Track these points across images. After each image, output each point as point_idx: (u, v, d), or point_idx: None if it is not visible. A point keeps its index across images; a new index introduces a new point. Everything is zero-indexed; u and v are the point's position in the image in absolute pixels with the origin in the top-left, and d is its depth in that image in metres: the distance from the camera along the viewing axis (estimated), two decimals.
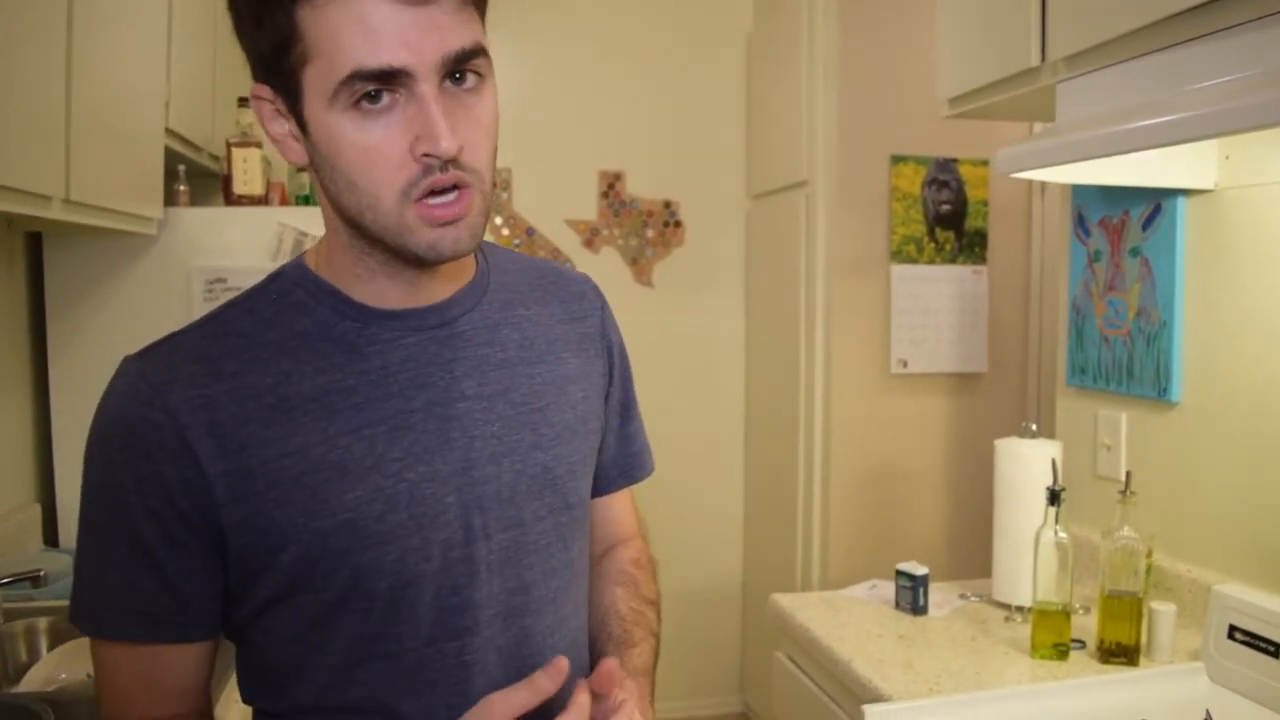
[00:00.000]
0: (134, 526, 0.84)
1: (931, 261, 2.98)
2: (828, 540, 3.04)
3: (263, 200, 2.46)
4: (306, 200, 2.50)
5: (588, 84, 3.34)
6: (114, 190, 1.87)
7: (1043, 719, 1.42)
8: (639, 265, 3.38)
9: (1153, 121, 1.33)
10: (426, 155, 0.80)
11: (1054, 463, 1.70)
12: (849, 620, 1.86)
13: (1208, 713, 1.44)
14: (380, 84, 0.79)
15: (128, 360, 0.87)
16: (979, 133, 2.85)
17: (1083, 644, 1.72)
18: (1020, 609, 1.82)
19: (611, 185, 3.35)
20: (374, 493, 0.86)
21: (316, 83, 0.79)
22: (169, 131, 2.19)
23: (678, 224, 3.42)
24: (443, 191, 0.82)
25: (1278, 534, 1.68)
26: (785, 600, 2.00)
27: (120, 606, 0.86)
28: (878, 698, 1.52)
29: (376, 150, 0.80)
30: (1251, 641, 1.55)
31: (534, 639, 0.95)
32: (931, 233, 2.98)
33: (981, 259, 3.02)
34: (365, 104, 0.79)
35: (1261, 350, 1.70)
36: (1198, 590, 1.74)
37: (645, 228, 3.38)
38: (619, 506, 1.19)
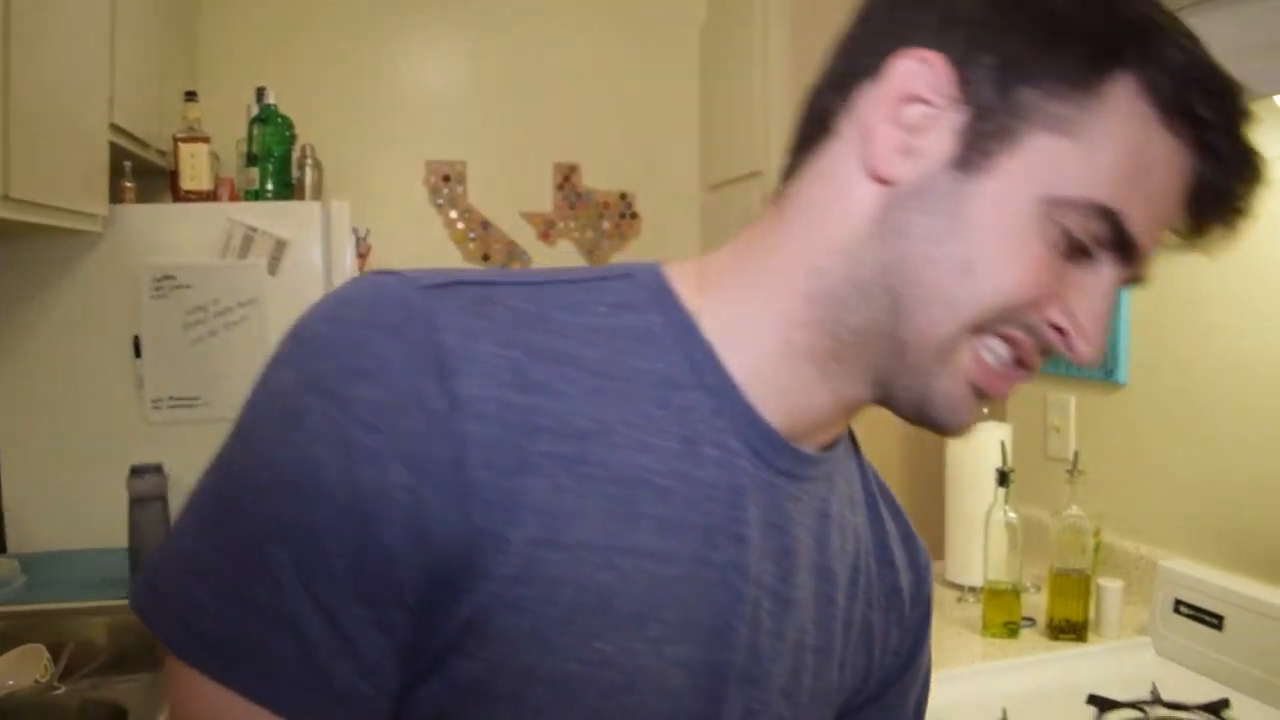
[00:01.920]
0: (332, 539, 0.50)
1: None
2: None
3: (211, 196, 2.43)
4: (256, 195, 2.48)
5: (542, 76, 3.34)
6: (57, 187, 1.85)
7: (993, 696, 1.44)
8: (595, 257, 3.38)
9: None
10: (1056, 328, 0.58)
11: (1003, 444, 1.72)
12: None
13: (1154, 686, 1.47)
14: (1107, 241, 0.56)
15: (409, 286, 0.54)
16: None
17: (1033, 621, 1.75)
18: (972, 589, 1.85)
19: (567, 177, 3.35)
20: (621, 655, 0.55)
21: (1049, 161, 0.55)
22: (114, 127, 2.16)
23: (634, 215, 3.43)
24: (1015, 361, 0.59)
25: (1222, 511, 1.71)
26: None
27: (277, 653, 0.50)
28: None
29: (1028, 267, 0.55)
30: (1196, 615, 1.58)
31: None
32: None
33: None
34: (1068, 239, 0.55)
35: (1206, 332, 1.73)
36: (1145, 567, 1.78)
37: (601, 220, 3.38)
38: None
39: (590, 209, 3.38)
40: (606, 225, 3.40)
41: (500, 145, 3.31)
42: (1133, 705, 1.44)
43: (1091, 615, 1.71)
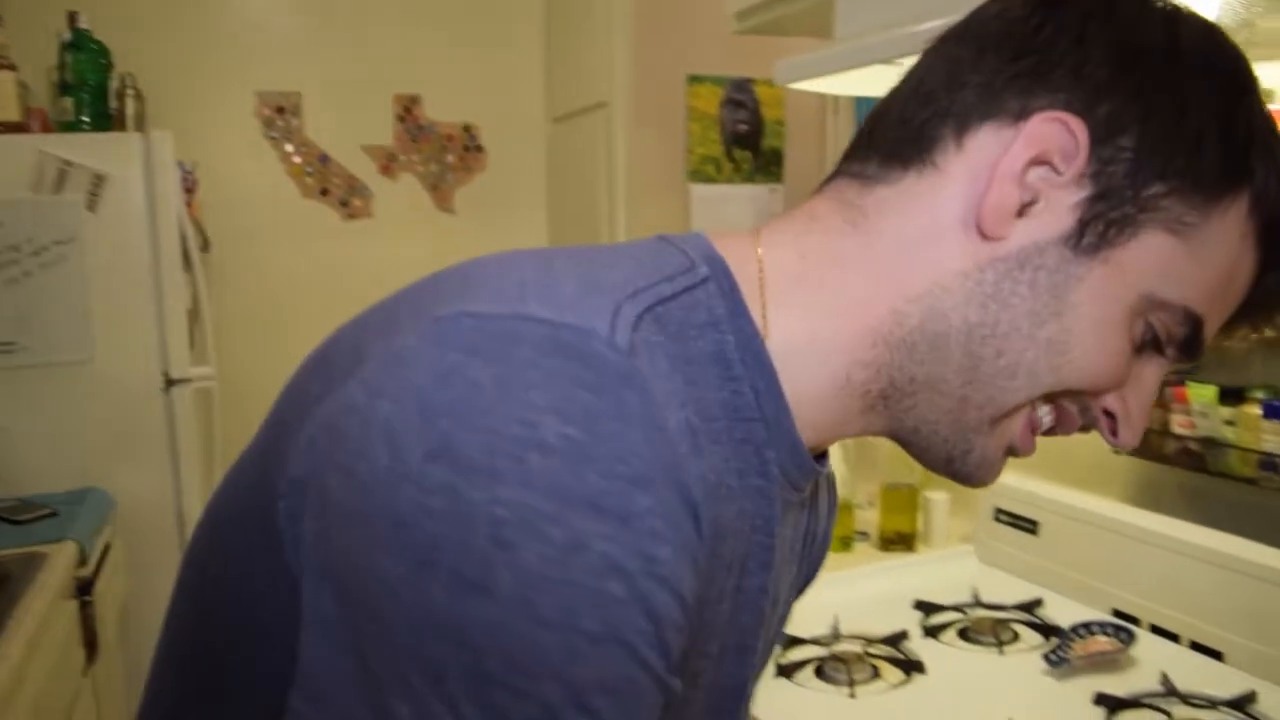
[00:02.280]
0: (635, 690, 0.43)
1: (730, 180, 3.04)
2: None
3: (21, 128, 2.28)
4: (71, 127, 2.33)
5: (380, 3, 3.22)
6: None
7: (827, 605, 1.50)
8: (440, 191, 3.31)
9: (925, 26, 1.38)
10: (1108, 414, 0.58)
11: None
12: None
13: (975, 589, 1.56)
14: (1181, 342, 0.56)
15: (618, 351, 0.45)
16: (775, 53, 2.90)
17: (866, 535, 1.82)
18: None
19: (408, 109, 3.26)
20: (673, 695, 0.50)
21: (1159, 259, 0.54)
22: None
23: (478, 148, 3.36)
24: (1052, 429, 0.60)
25: None
26: None
27: None
28: None
29: (1113, 359, 0.55)
30: (1014, 521, 1.67)
31: None
32: (729, 152, 3.03)
33: (777, 177, 3.09)
34: (1147, 335, 0.56)
35: None
36: None
37: (445, 153, 3.31)
38: None
39: (433, 142, 3.30)
40: (451, 158, 3.33)
41: (337, 75, 3.18)
42: (955, 608, 1.53)
43: (920, 527, 1.80)
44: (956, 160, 0.55)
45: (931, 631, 1.46)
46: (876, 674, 1.34)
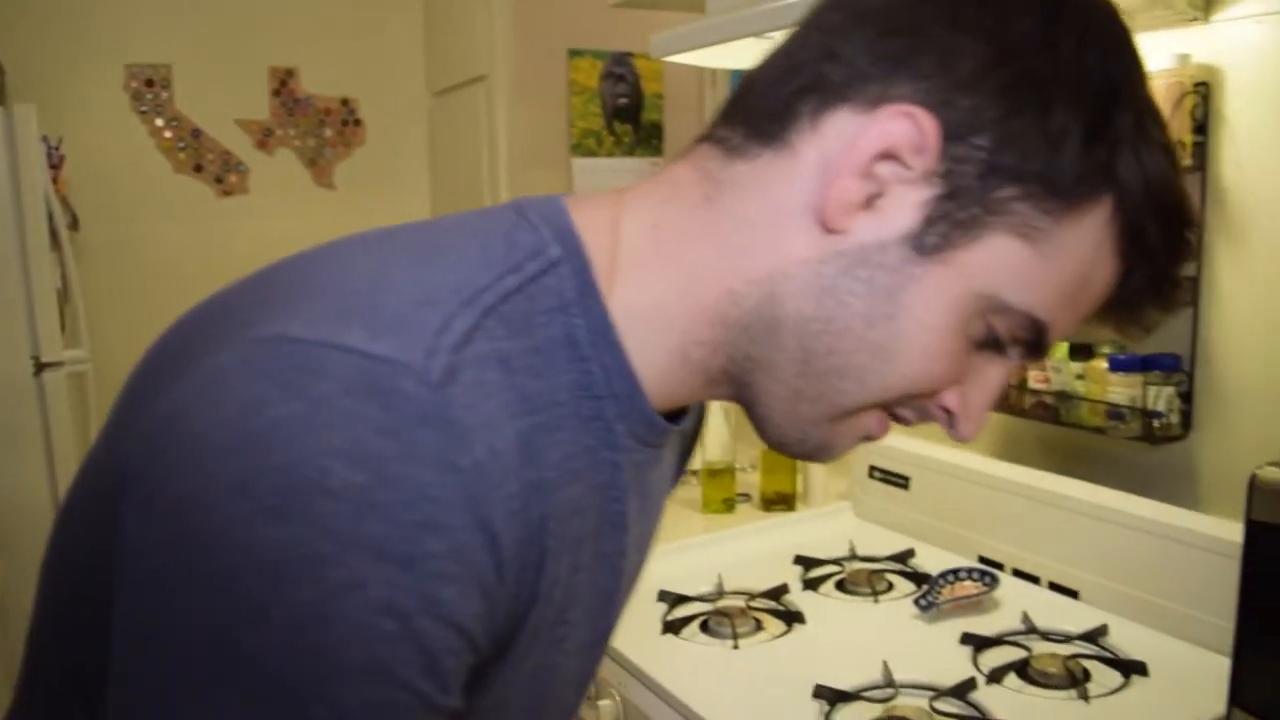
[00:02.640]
0: (393, 704, 0.45)
1: (611, 154, 3.07)
2: None
3: None
4: None
5: None
6: None
7: (711, 564, 1.56)
8: (318, 166, 3.26)
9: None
10: (946, 410, 0.58)
11: None
12: None
13: (852, 543, 1.63)
14: (1024, 344, 0.56)
15: (426, 387, 0.46)
16: (654, 27, 2.93)
17: (748, 497, 1.89)
18: (694, 471, 1.97)
19: (284, 82, 3.20)
20: (538, 668, 0.58)
21: (1004, 263, 0.52)
22: None
23: (358, 122, 3.32)
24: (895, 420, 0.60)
25: None
26: None
27: None
28: None
29: (943, 361, 0.54)
30: (887, 478, 1.76)
31: None
32: (610, 125, 3.06)
33: (658, 150, 3.13)
34: (988, 335, 0.55)
35: None
36: None
37: (323, 127, 3.26)
38: None
39: (310, 115, 3.24)
40: (329, 133, 3.28)
41: (209, 47, 3.10)
42: (833, 561, 1.60)
43: (800, 487, 1.87)
44: (810, 142, 0.54)
45: (811, 584, 1.53)
46: (759, 626, 1.40)
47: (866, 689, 1.20)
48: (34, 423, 2.24)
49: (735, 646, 1.34)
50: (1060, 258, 0.53)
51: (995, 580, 1.45)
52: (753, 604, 1.46)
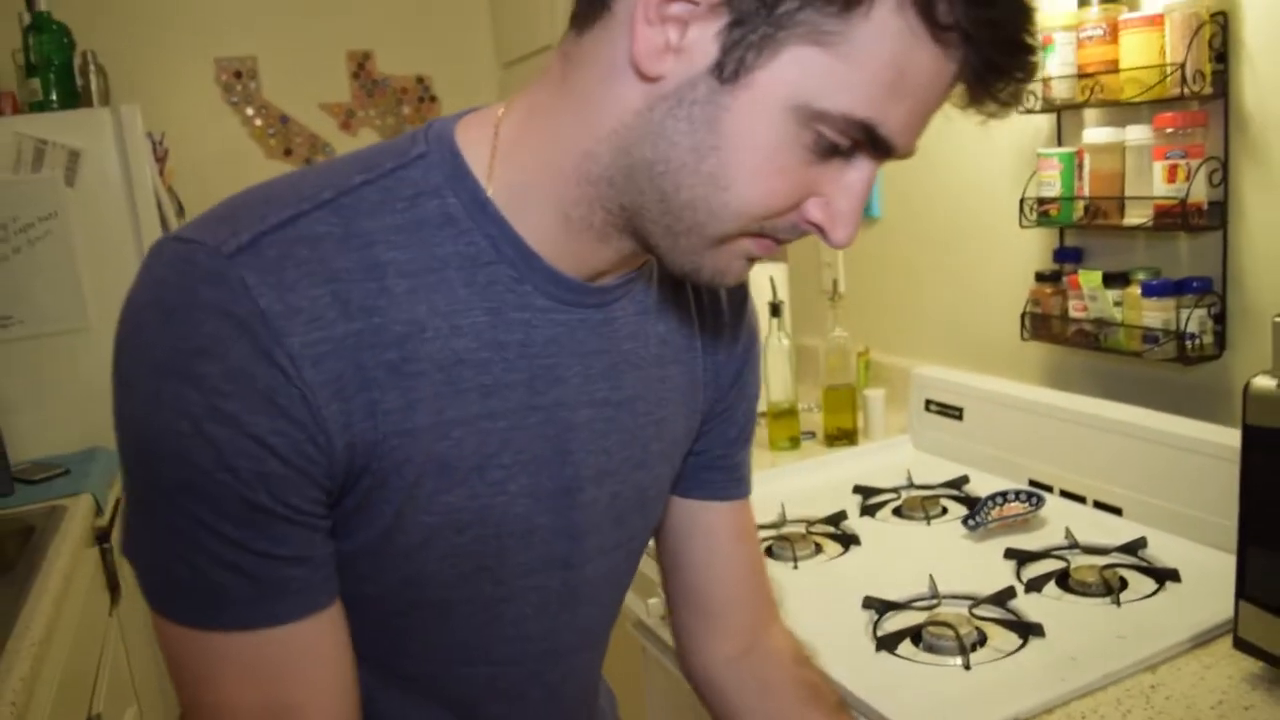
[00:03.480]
0: (215, 491, 0.58)
1: None
2: None
3: None
4: (41, 107, 2.44)
5: None
6: None
7: (774, 495, 1.68)
8: None
9: None
10: (814, 224, 0.62)
11: (772, 280, 1.93)
12: None
13: (909, 472, 1.73)
14: (864, 145, 0.59)
15: (217, 257, 0.58)
16: None
17: (813, 435, 1.99)
18: (761, 413, 2.08)
19: (361, 65, 3.36)
20: (467, 500, 0.67)
21: (806, 72, 0.56)
22: None
23: (433, 99, 3.47)
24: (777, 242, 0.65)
25: (959, 321, 1.97)
26: None
27: (219, 581, 0.60)
28: None
29: (779, 178, 0.59)
30: (942, 410, 1.85)
31: (579, 675, 0.84)
32: None
33: None
34: (822, 142, 0.58)
35: (939, 168, 1.96)
36: (905, 377, 2.04)
37: (401, 105, 3.42)
38: (747, 550, 0.93)
39: (388, 95, 3.40)
40: (406, 110, 3.43)
41: (291, 37, 3.27)
42: (890, 490, 1.70)
43: (861, 423, 1.97)
44: (622, 5, 0.59)
45: (868, 511, 1.64)
46: (819, 549, 1.51)
47: (912, 600, 1.31)
48: None
49: (795, 567, 1.46)
50: (861, 55, 0.55)
51: (1041, 500, 1.54)
52: (812, 529, 1.57)
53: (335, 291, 0.59)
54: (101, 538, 2.00)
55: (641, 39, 0.57)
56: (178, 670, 0.63)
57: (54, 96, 2.46)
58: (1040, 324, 1.69)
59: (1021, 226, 1.67)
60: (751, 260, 0.66)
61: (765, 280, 1.96)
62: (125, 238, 2.39)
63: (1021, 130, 1.73)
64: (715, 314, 0.83)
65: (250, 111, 3.24)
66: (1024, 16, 0.57)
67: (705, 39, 0.57)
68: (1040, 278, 1.69)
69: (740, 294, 0.87)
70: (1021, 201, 1.66)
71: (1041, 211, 1.62)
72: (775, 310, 1.90)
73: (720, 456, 0.89)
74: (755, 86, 0.56)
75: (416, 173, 0.64)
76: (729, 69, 0.56)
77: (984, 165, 1.84)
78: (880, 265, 2.16)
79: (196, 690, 0.62)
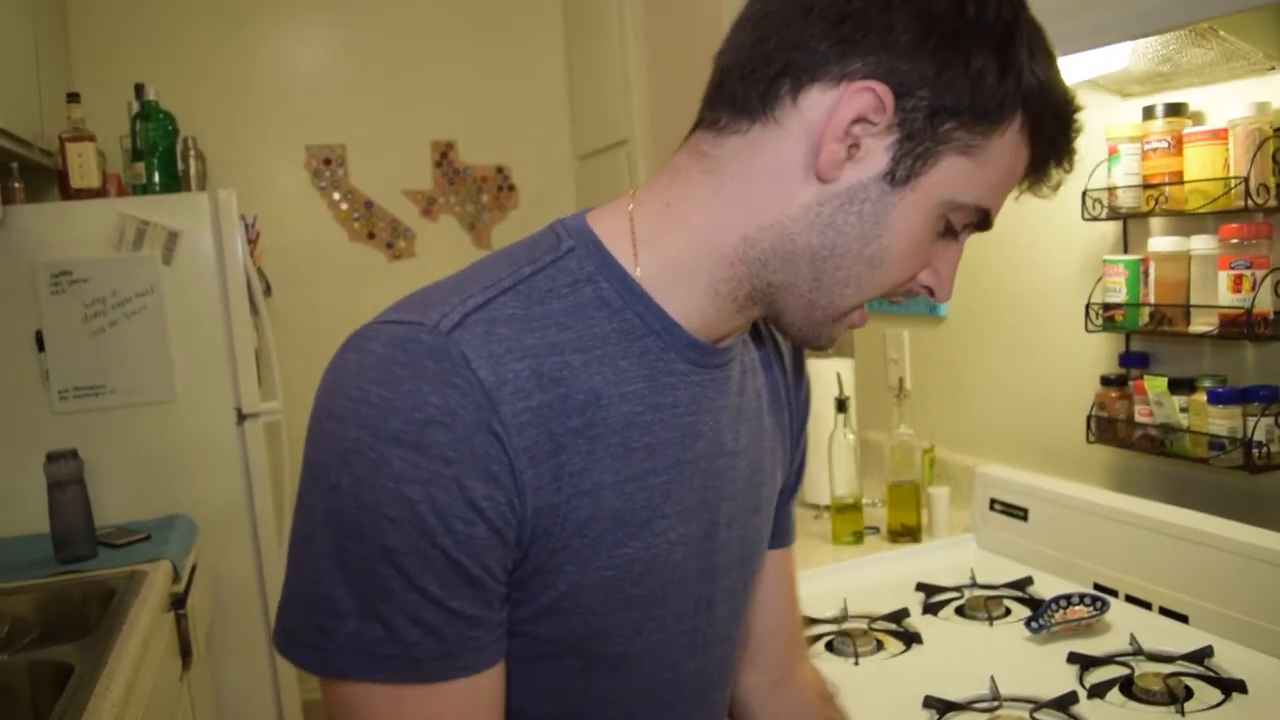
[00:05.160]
0: (429, 552, 0.65)
1: None
2: None
3: (101, 192, 2.53)
4: (144, 189, 2.58)
5: (414, 56, 3.45)
6: None
7: (838, 590, 1.68)
8: (477, 230, 3.53)
9: None
10: (926, 288, 0.77)
11: (838, 376, 1.96)
12: None
13: (973, 571, 1.73)
14: (974, 225, 0.75)
15: (437, 334, 0.66)
16: None
17: (876, 530, 2.00)
18: (825, 507, 2.09)
19: (444, 154, 3.49)
20: (641, 551, 0.75)
21: (956, 176, 0.70)
22: None
23: (511, 187, 3.58)
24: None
25: (1024, 422, 1.98)
26: None
27: (411, 639, 0.66)
28: None
29: (916, 257, 0.73)
30: (1007, 510, 1.85)
31: (717, 712, 0.91)
32: None
33: None
34: (948, 225, 0.73)
35: (1005, 270, 1.99)
36: (969, 475, 2.04)
37: (480, 193, 3.54)
38: (788, 590, 1.05)
39: (469, 183, 3.52)
40: (485, 198, 3.55)
41: (378, 126, 3.41)
42: (954, 588, 1.70)
43: (925, 520, 1.97)
44: (793, 116, 0.70)
45: (931, 609, 1.64)
46: (880, 646, 1.51)
47: (973, 701, 1.30)
48: (237, 465, 2.54)
49: (856, 663, 1.46)
50: (994, 161, 0.70)
51: (1106, 605, 1.53)
52: (874, 625, 1.58)
53: (531, 365, 0.68)
54: (177, 604, 2.06)
55: (828, 153, 0.69)
56: None
57: (156, 179, 2.60)
58: (1106, 427, 1.70)
59: (1087, 331, 1.69)
60: (851, 327, 0.78)
61: (832, 376, 1.99)
62: (215, 314, 2.50)
63: (1088, 237, 1.76)
64: (782, 369, 0.93)
65: (337, 196, 3.37)
66: (1077, 124, 0.74)
67: (878, 149, 0.69)
68: (1106, 381, 1.71)
69: (797, 350, 0.97)
70: (1087, 306, 1.68)
71: (1107, 317, 1.64)
72: (841, 406, 1.92)
73: (779, 505, 0.97)
74: (918, 189, 0.69)
75: (572, 263, 0.73)
76: (900, 175, 0.69)
77: (1050, 270, 1.87)
78: (946, 364, 2.19)
79: None
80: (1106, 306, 1.64)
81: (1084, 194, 1.66)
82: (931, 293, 0.76)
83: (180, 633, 2.06)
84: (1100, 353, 1.78)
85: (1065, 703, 1.27)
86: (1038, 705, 1.27)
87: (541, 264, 0.73)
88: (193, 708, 2.10)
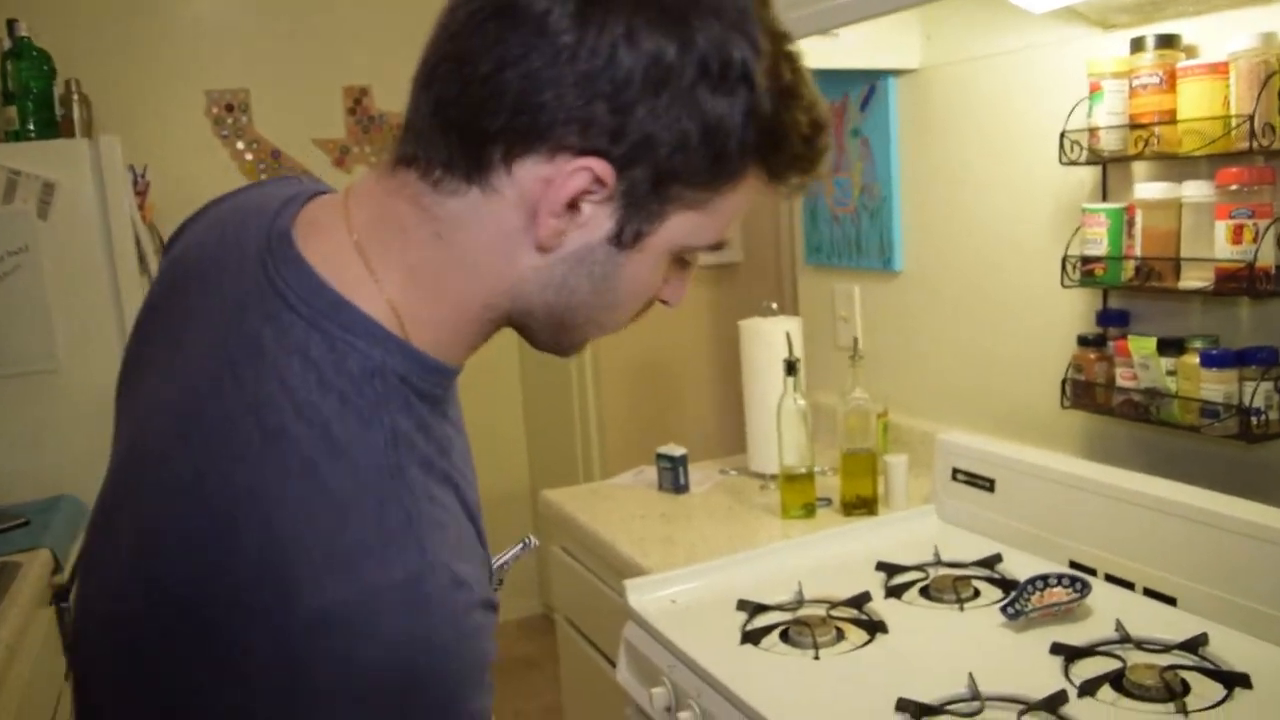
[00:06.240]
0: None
1: None
2: (604, 435, 3.15)
3: None
4: (17, 136, 2.33)
5: None
6: None
7: (791, 571, 1.54)
8: None
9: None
10: (664, 302, 0.79)
11: (788, 336, 1.81)
12: (614, 507, 1.95)
13: (936, 548, 1.60)
14: (712, 251, 0.77)
15: (476, 601, 0.66)
16: None
17: (829, 501, 1.86)
18: (773, 477, 1.94)
19: (358, 101, 3.27)
20: None
21: (684, 229, 0.70)
22: None
23: None
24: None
25: (989, 385, 1.85)
26: (554, 495, 2.06)
27: None
28: (639, 573, 1.60)
29: (650, 291, 0.75)
30: (971, 480, 1.71)
31: None
32: None
33: None
34: (681, 258, 0.75)
35: (969, 219, 1.84)
36: (927, 441, 1.91)
37: None
38: None
39: (385, 132, 3.31)
40: None
41: (285, 70, 3.19)
42: (917, 568, 1.57)
43: (881, 490, 1.84)
44: (508, 184, 0.66)
45: (894, 592, 1.50)
46: (841, 636, 1.37)
47: (951, 702, 1.17)
48: None
49: (816, 657, 1.32)
50: (726, 208, 0.70)
51: (1087, 587, 1.40)
52: (834, 612, 1.44)
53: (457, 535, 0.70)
54: (60, 596, 1.86)
55: (545, 228, 0.67)
56: None
57: (31, 125, 2.36)
58: (1083, 392, 1.56)
59: (1063, 286, 1.55)
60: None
61: (780, 336, 1.83)
62: (100, 275, 2.28)
63: (1064, 183, 1.62)
64: None
65: (241, 145, 3.14)
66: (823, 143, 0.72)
67: (601, 215, 0.67)
68: (1083, 342, 1.57)
69: None
70: (1064, 259, 1.54)
71: (1085, 271, 1.51)
72: (791, 368, 1.77)
73: None
74: (646, 247, 0.69)
75: (369, 359, 0.67)
76: (626, 238, 0.68)
77: (1022, 219, 1.73)
78: (901, 321, 2.04)
79: None
80: (1085, 260, 1.50)
81: (1062, 135, 1.51)
82: (666, 303, 0.79)
83: (63, 628, 1.86)
84: (1076, 310, 1.64)
85: (1054, 703, 1.14)
86: (1025, 707, 1.15)
87: (369, 400, 0.66)
88: None
